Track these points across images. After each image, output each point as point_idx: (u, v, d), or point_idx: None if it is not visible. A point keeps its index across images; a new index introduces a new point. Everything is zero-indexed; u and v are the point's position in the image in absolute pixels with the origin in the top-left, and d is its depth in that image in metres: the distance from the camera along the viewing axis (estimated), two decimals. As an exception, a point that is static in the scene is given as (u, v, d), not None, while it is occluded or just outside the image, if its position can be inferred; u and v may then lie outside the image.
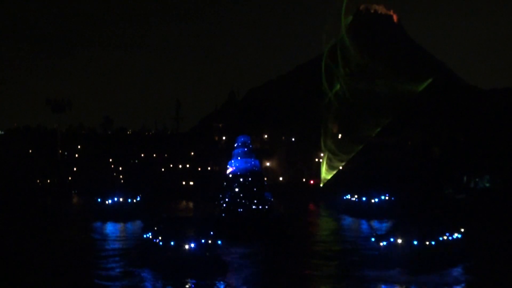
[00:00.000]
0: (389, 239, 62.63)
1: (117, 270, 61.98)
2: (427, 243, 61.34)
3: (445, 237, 63.40)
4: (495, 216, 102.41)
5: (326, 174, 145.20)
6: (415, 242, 61.02)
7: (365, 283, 57.03)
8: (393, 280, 57.64)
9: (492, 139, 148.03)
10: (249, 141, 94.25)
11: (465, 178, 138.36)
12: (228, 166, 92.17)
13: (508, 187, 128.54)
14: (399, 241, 61.72)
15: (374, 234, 68.25)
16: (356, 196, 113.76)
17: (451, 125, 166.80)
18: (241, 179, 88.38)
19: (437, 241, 62.19)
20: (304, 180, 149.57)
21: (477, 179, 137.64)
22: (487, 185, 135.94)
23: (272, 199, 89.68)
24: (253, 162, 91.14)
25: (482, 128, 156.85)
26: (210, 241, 61.26)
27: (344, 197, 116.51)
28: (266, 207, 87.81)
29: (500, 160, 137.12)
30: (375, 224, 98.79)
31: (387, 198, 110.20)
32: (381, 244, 63.11)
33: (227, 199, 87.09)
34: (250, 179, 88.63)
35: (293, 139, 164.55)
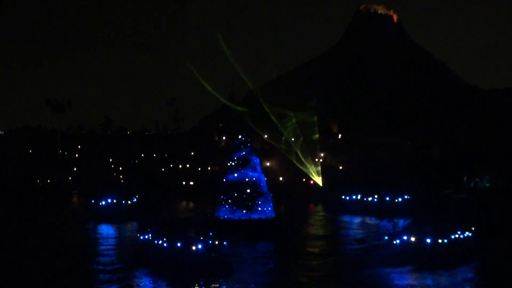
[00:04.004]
0: (403, 237, 63.45)
1: (114, 272, 60.72)
2: (440, 241, 62.24)
3: (456, 236, 64.50)
4: (495, 216, 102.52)
5: (316, 178, 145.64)
6: (428, 240, 61.87)
7: (378, 281, 57.39)
8: (406, 277, 58.04)
9: (492, 139, 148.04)
10: (249, 140, 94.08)
11: (465, 178, 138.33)
12: (229, 164, 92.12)
13: (508, 187, 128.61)
14: (413, 239, 62.55)
15: (387, 233, 69.04)
16: (355, 196, 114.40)
17: (451, 125, 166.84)
18: (244, 180, 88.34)
19: (449, 239, 63.16)
20: (304, 180, 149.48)
21: (477, 179, 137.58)
22: (487, 185, 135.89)
23: (272, 200, 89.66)
24: (254, 161, 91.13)
25: (482, 128, 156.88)
26: (216, 242, 61.17)
27: (343, 197, 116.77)
28: (269, 208, 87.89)
29: (500, 160, 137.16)
30: (377, 222, 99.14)
31: (389, 198, 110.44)
32: (394, 242, 63.97)
33: (229, 200, 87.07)
34: (252, 179, 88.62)
35: (293, 139, 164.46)
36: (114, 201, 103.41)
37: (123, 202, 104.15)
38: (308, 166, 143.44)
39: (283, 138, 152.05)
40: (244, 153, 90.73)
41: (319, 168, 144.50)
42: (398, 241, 63.55)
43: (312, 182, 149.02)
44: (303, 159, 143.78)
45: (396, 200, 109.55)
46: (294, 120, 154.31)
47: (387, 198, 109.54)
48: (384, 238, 68.12)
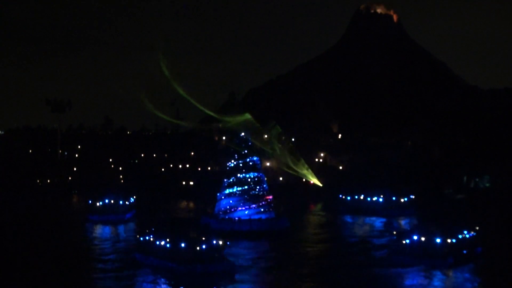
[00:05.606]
0: (412, 237, 63.93)
1: (114, 277, 60.33)
2: (449, 241, 62.73)
3: (463, 235, 65.20)
4: (496, 216, 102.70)
5: (313, 179, 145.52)
6: (438, 240, 62.35)
7: (388, 279, 57.57)
8: (413, 277, 58.32)
9: (492, 139, 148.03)
10: (249, 139, 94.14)
11: (465, 178, 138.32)
12: (228, 164, 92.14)
13: (508, 187, 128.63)
14: (423, 238, 63.08)
15: (395, 232, 69.43)
16: (357, 196, 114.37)
17: (451, 125, 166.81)
18: (245, 180, 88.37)
19: (457, 239, 63.73)
20: (304, 180, 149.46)
21: (477, 179, 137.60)
22: (487, 185, 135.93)
23: (272, 199, 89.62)
24: (255, 160, 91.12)
25: (482, 128, 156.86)
26: (221, 242, 61.19)
27: (343, 197, 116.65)
28: (270, 208, 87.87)
29: (500, 160, 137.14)
30: (381, 222, 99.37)
31: (392, 198, 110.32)
32: (404, 242, 64.49)
33: (230, 200, 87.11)
34: (253, 179, 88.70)
35: (293, 139, 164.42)
36: (113, 201, 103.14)
37: (120, 202, 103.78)
38: (304, 170, 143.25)
39: (270, 152, 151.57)
40: (244, 152, 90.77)
41: (309, 170, 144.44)
42: (408, 241, 64.16)
43: (312, 182, 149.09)
44: (293, 165, 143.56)
45: (402, 200, 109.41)
46: (278, 129, 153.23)
47: (394, 198, 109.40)
48: (393, 237, 68.74)
